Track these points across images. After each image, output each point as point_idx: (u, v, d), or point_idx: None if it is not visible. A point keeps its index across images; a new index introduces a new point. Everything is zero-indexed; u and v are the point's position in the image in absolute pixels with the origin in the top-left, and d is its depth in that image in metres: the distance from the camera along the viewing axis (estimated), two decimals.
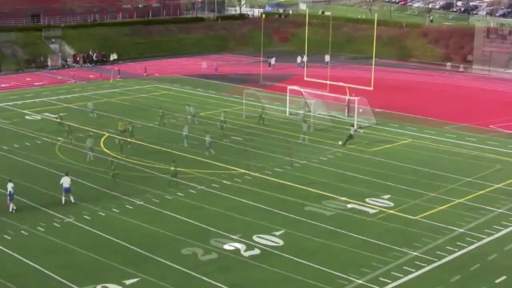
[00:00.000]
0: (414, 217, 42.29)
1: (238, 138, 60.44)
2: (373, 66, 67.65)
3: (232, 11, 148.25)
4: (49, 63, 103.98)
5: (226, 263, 35.68)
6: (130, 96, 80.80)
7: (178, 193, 46.16)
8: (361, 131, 61.27)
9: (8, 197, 42.67)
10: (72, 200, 43.97)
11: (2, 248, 37.26)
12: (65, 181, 43.93)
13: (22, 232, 39.33)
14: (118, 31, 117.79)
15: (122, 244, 37.91)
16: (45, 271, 34.55)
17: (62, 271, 34.51)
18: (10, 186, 42.66)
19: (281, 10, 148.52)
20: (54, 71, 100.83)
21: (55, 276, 33.97)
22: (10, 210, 42.55)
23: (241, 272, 34.62)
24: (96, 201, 44.71)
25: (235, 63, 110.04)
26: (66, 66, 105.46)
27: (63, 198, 43.86)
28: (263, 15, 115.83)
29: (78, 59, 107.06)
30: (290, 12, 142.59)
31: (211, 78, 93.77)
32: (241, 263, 35.74)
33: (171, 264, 35.41)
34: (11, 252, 36.73)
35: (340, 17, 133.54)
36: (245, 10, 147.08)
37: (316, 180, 49.32)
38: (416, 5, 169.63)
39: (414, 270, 34.97)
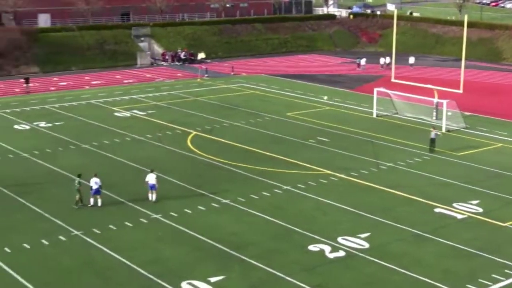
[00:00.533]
0: (503, 224, 41.38)
1: (325, 139, 60.24)
2: (462, 68, 66.46)
3: (320, 11, 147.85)
4: (138, 61, 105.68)
5: (310, 264, 35.62)
6: (217, 95, 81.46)
7: (264, 193, 46.29)
8: (440, 134, 60.16)
9: (92, 191, 43.47)
10: (154, 198, 44.50)
11: (92, 241, 38.07)
12: (151, 178, 44.55)
13: (111, 226, 40.05)
14: (206, 30, 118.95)
15: (208, 242, 38.25)
16: (133, 265, 35.15)
17: (149, 266, 35.04)
18: (93, 181, 43.43)
19: (369, 11, 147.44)
20: (143, 69, 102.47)
21: (142, 271, 34.52)
22: (92, 204, 43.35)
23: (325, 274, 34.49)
24: (183, 199, 45.23)
25: (322, 63, 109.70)
26: (155, 64, 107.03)
27: (150, 195, 44.50)
28: (351, 16, 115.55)
29: (166, 57, 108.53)
30: (378, 13, 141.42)
31: (298, 78, 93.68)
32: (325, 264, 35.63)
33: (255, 263, 35.54)
34: (100, 246, 37.48)
35: (428, 18, 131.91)
36: (333, 10, 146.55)
37: (402, 183, 48.76)
38: (508, 6, 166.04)
39: (503, 279, 34.18)
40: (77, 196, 43.31)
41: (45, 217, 41.68)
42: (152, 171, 45.04)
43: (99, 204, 43.48)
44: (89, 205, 43.34)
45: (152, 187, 44.42)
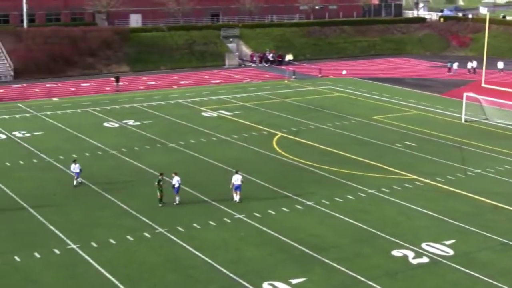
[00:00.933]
0: None
1: (411, 144, 59.50)
2: None
3: (409, 14, 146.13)
4: (226, 62, 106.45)
5: (393, 269, 35.22)
6: (304, 97, 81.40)
7: (348, 196, 46.02)
8: None
9: (174, 190, 43.95)
10: (238, 199, 44.70)
11: (176, 239, 38.51)
12: (236, 179, 44.77)
13: (194, 225, 40.41)
14: (294, 31, 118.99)
15: (290, 243, 38.23)
16: (215, 265, 35.40)
17: (231, 266, 35.23)
18: (175, 179, 43.87)
19: (460, 14, 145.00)
20: (231, 69, 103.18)
21: (225, 271, 34.73)
22: (177, 202, 43.90)
23: (408, 280, 34.05)
24: (267, 200, 45.33)
25: (410, 67, 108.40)
26: (243, 65, 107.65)
27: (234, 195, 44.72)
28: (442, 19, 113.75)
29: (254, 58, 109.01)
30: (470, 16, 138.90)
31: (386, 81, 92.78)
32: (408, 270, 35.17)
33: (337, 266, 35.34)
34: (184, 244, 37.89)
35: None
36: (423, 13, 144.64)
37: (490, 190, 47.74)
38: None
39: None
40: (159, 194, 43.91)
41: (131, 214, 42.38)
42: (237, 172, 45.27)
43: (177, 202, 43.95)
44: (175, 204, 43.84)
45: (237, 187, 44.65)
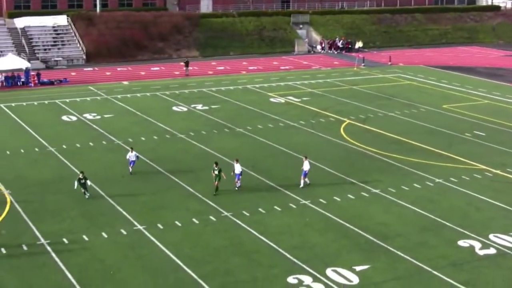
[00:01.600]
0: None
1: (481, 133, 58.56)
2: None
3: (483, 2, 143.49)
4: (295, 48, 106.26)
5: (459, 259, 34.78)
6: (372, 84, 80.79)
7: (415, 185, 45.57)
8: None
9: (236, 176, 43.97)
10: (307, 182, 44.73)
11: (241, 223, 38.73)
12: (305, 165, 44.75)
13: (260, 210, 40.52)
14: (365, 19, 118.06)
15: (355, 231, 38.08)
16: (279, 249, 35.49)
17: (295, 251, 35.27)
18: (237, 167, 43.88)
19: None
20: (300, 56, 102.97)
21: (288, 256, 34.80)
22: (238, 186, 44.21)
23: (474, 271, 33.57)
24: (333, 186, 45.22)
25: (483, 56, 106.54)
26: (312, 52, 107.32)
27: (302, 181, 44.72)
28: None
29: (323, 45, 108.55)
30: None
31: (456, 70, 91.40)
32: (474, 261, 34.68)
33: (402, 254, 35.09)
34: (248, 228, 38.08)
35: None
36: (497, 1, 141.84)
37: None
38: None
39: None
40: (215, 182, 43.50)
41: (197, 197, 42.74)
42: (306, 158, 45.23)
43: (238, 185, 44.18)
44: (236, 188, 43.97)
45: (305, 174, 44.64)
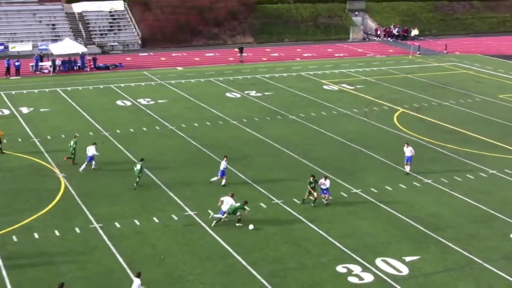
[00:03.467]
0: None
1: None
2: None
3: None
4: (350, 36, 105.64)
5: (511, 252, 34.36)
6: (427, 73, 79.95)
7: (468, 175, 45.07)
8: None
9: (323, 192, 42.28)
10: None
11: (291, 211, 38.80)
12: (407, 151, 45.56)
13: (310, 198, 40.41)
14: (421, 6, 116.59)
15: (406, 221, 37.87)
16: (329, 238, 35.50)
17: (345, 240, 35.23)
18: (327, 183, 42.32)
19: None
20: (355, 43, 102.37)
21: (338, 244, 34.79)
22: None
23: None
24: (385, 175, 44.98)
25: None
26: (367, 39, 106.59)
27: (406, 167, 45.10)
28: None
29: (379, 32, 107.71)
30: None
31: None
32: None
33: (453, 246, 34.80)
34: (298, 216, 38.14)
35: None
36: None
37: None
38: None
39: None
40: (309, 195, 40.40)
41: (249, 184, 42.90)
42: (408, 145, 46.04)
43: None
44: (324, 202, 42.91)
45: (408, 159, 45.43)
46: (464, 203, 40.59)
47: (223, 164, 43.00)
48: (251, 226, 36.45)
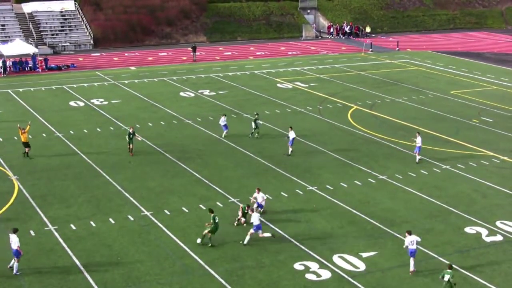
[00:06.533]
0: None
1: (488, 119, 58.45)
2: None
3: None
4: (303, 34, 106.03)
5: (465, 246, 34.83)
6: (380, 70, 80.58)
7: (422, 171, 45.55)
8: None
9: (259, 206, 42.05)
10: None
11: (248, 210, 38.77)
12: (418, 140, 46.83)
13: (267, 196, 40.35)
14: (373, 4, 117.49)
15: (362, 217, 38.14)
16: (286, 235, 35.60)
17: (302, 237, 35.36)
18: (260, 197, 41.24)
19: None
20: (308, 41, 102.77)
21: (295, 242, 34.90)
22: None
23: (480, 257, 33.63)
24: (339, 172, 45.24)
25: (491, 41, 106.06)
26: (320, 37, 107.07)
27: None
28: None
29: (331, 30, 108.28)
30: None
31: (464, 56, 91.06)
32: (481, 248, 34.72)
33: None
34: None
35: None
36: None
37: None
38: None
39: None
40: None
41: (204, 183, 42.80)
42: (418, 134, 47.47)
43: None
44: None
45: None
46: (418, 199, 41.02)
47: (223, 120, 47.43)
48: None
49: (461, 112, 60.57)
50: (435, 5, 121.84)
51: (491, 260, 33.34)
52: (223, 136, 51.87)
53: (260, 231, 34.60)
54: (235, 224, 36.95)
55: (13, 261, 31.80)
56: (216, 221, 34.54)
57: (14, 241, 31.30)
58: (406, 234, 32.44)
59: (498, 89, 70.77)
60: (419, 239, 32.92)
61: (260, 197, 38.11)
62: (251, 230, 34.64)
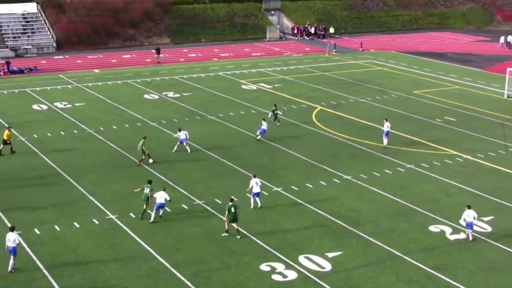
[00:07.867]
0: None
1: (451, 119, 58.98)
2: None
3: None
4: (267, 35, 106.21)
5: (430, 244, 35.09)
6: (344, 70, 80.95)
7: (386, 171, 45.84)
8: None
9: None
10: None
11: (213, 211, 38.70)
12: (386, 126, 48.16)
13: (232, 197, 40.26)
14: (336, 5, 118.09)
15: (327, 217, 38.27)
16: (252, 237, 35.58)
17: (267, 238, 35.37)
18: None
19: None
20: (272, 42, 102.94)
21: (261, 243, 34.88)
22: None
23: (444, 255, 33.90)
24: (305, 173, 45.35)
25: (453, 41, 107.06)
26: (284, 38, 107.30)
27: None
28: None
29: (295, 31, 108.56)
30: None
31: (427, 56, 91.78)
32: (445, 246, 35.02)
33: (374, 240, 35.33)
34: (220, 216, 38.07)
35: None
36: None
37: None
38: None
39: None
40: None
41: (169, 185, 42.54)
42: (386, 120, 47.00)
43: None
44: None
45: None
46: (383, 198, 41.26)
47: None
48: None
49: (424, 112, 61.06)
50: (398, 5, 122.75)
51: (456, 258, 33.62)
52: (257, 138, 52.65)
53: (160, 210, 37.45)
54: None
55: (12, 261, 31.79)
56: (232, 211, 35.24)
57: (12, 239, 31.23)
58: (466, 208, 35.59)
59: (461, 88, 71.45)
60: (476, 215, 35.41)
61: (253, 182, 39.56)
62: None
